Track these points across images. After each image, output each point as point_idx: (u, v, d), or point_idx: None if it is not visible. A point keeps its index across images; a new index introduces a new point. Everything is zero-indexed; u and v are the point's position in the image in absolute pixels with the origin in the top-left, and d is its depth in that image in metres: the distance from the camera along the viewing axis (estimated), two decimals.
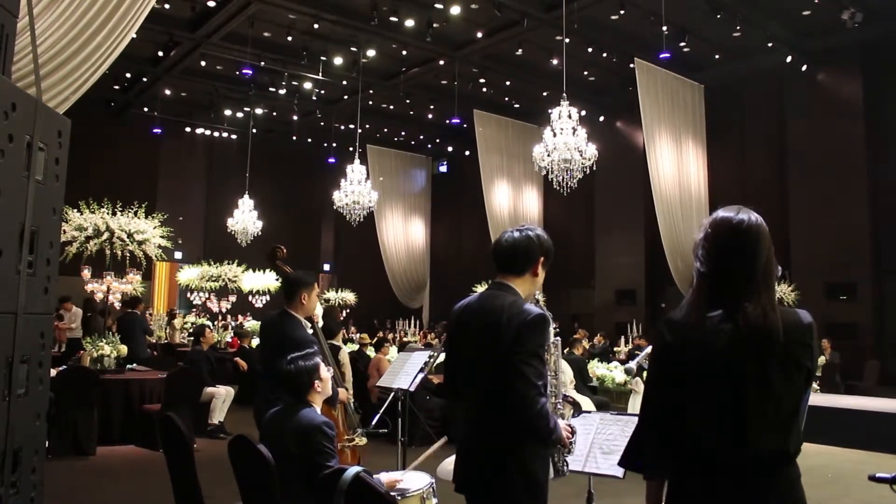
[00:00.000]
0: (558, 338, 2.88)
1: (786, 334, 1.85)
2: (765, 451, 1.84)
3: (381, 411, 5.27)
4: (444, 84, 18.35)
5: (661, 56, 14.88)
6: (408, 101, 19.94)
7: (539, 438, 2.54)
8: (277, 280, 17.58)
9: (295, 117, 21.67)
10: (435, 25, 14.83)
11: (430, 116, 21.56)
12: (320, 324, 4.86)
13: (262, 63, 16.96)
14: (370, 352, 11.12)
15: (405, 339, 15.79)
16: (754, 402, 1.84)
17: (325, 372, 3.57)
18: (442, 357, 10.59)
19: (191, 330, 16.92)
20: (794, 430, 1.87)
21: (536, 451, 2.59)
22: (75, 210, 9.64)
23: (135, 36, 6.15)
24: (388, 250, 23.52)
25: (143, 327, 11.07)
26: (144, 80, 18.87)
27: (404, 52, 16.58)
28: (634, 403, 8.33)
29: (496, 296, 2.68)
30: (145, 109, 20.97)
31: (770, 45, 15.37)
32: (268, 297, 18.59)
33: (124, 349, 8.99)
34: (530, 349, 2.51)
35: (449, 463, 3.71)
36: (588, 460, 3.27)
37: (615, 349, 14.81)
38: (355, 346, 11.85)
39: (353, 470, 2.74)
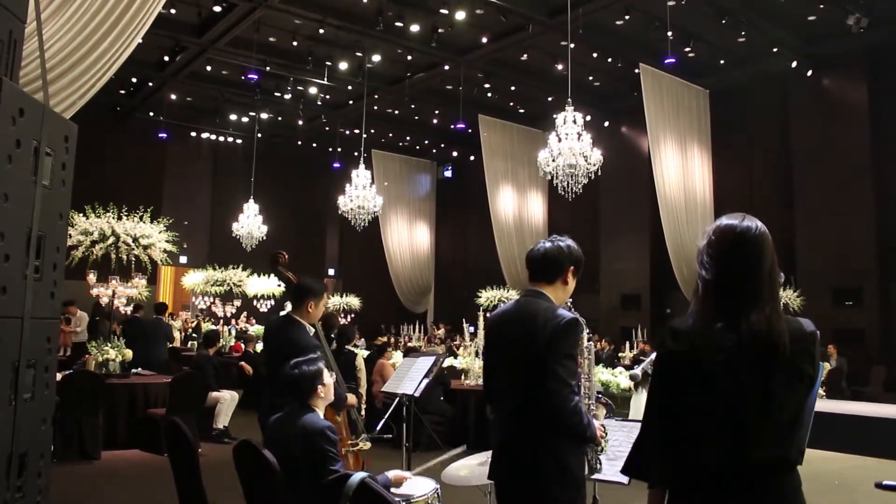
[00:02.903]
0: (591, 343, 3.05)
1: (790, 343, 1.85)
2: (765, 460, 1.84)
3: (386, 416, 5.27)
4: (449, 89, 18.37)
5: (666, 61, 14.87)
6: (413, 106, 19.98)
7: (574, 435, 2.66)
8: (280, 285, 17.59)
9: (300, 122, 21.73)
10: (440, 31, 14.86)
11: (435, 121, 21.59)
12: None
13: (268, 68, 16.99)
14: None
15: (409, 344, 15.77)
16: (756, 411, 1.83)
17: (328, 378, 3.56)
18: (447, 362, 10.54)
19: (190, 333, 16.97)
20: (794, 438, 1.87)
21: (572, 447, 2.71)
22: (81, 214, 9.64)
23: (141, 41, 6.18)
24: (392, 255, 23.53)
25: (167, 334, 11.30)
26: (150, 84, 18.93)
27: (409, 58, 16.61)
28: (636, 404, 8.30)
29: (531, 302, 2.85)
30: (151, 114, 21.04)
31: (775, 50, 15.37)
32: (272, 302, 18.61)
33: (129, 353, 9.00)
34: (564, 351, 2.66)
35: (454, 469, 3.71)
36: None
37: (620, 354, 14.78)
38: (364, 353, 11.78)
39: (358, 475, 2.75)
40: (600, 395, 3.08)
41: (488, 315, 3.11)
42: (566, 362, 2.65)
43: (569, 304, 2.96)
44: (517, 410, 2.76)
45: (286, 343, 4.25)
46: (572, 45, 13.30)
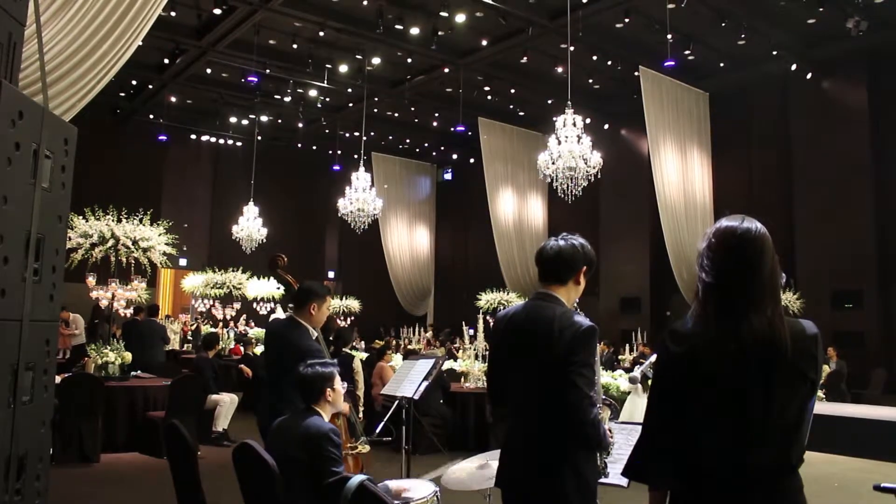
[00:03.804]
0: (598, 346, 2.95)
1: (791, 345, 1.84)
2: (767, 463, 1.83)
3: (385, 419, 5.26)
4: (448, 92, 18.37)
5: (666, 64, 14.87)
6: (413, 109, 19.99)
7: (590, 445, 2.62)
8: (279, 288, 17.58)
9: (300, 125, 21.73)
10: (440, 33, 14.86)
11: (434, 124, 21.59)
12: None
13: (268, 70, 17.01)
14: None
15: (409, 347, 15.75)
16: (758, 414, 1.83)
17: (340, 384, 3.55)
18: (446, 365, 10.49)
19: (188, 336, 16.98)
20: (796, 441, 1.86)
21: (587, 456, 2.66)
22: (80, 217, 9.64)
23: (141, 43, 6.18)
24: (392, 258, 23.52)
25: (162, 335, 11.27)
26: (150, 87, 18.95)
27: (409, 60, 16.62)
28: (631, 407, 8.28)
29: (544, 307, 2.74)
30: (151, 116, 21.05)
31: (775, 52, 15.36)
32: (272, 305, 18.60)
33: (128, 356, 8.99)
34: (583, 360, 2.58)
35: (453, 472, 3.70)
36: None
37: (619, 357, 14.77)
38: (364, 355, 11.77)
39: (357, 478, 2.74)
40: (605, 399, 3.04)
41: (496, 315, 2.97)
42: (585, 371, 2.57)
43: (576, 305, 2.90)
44: (532, 418, 2.68)
45: (288, 346, 4.21)
46: (572, 48, 13.31)
